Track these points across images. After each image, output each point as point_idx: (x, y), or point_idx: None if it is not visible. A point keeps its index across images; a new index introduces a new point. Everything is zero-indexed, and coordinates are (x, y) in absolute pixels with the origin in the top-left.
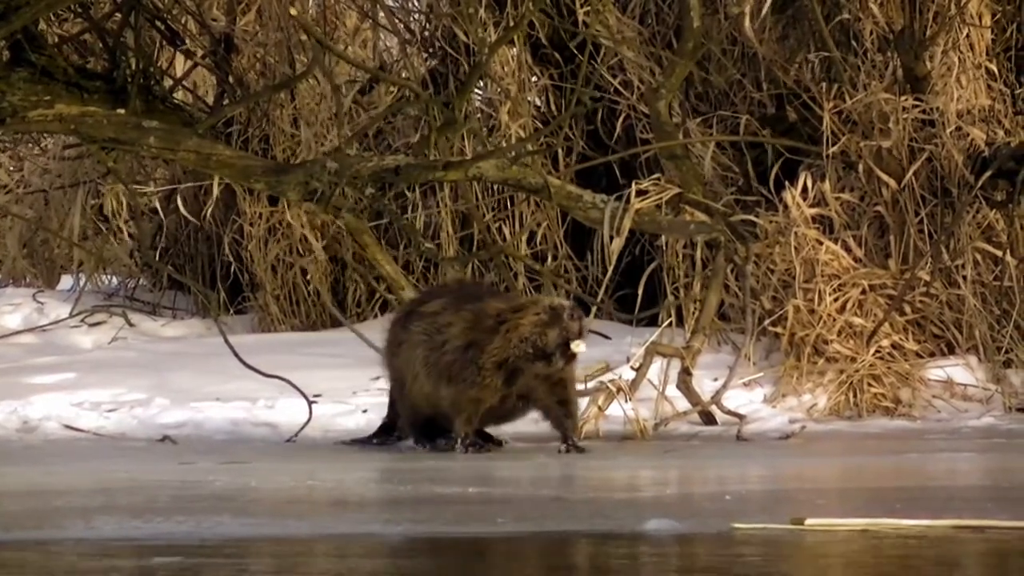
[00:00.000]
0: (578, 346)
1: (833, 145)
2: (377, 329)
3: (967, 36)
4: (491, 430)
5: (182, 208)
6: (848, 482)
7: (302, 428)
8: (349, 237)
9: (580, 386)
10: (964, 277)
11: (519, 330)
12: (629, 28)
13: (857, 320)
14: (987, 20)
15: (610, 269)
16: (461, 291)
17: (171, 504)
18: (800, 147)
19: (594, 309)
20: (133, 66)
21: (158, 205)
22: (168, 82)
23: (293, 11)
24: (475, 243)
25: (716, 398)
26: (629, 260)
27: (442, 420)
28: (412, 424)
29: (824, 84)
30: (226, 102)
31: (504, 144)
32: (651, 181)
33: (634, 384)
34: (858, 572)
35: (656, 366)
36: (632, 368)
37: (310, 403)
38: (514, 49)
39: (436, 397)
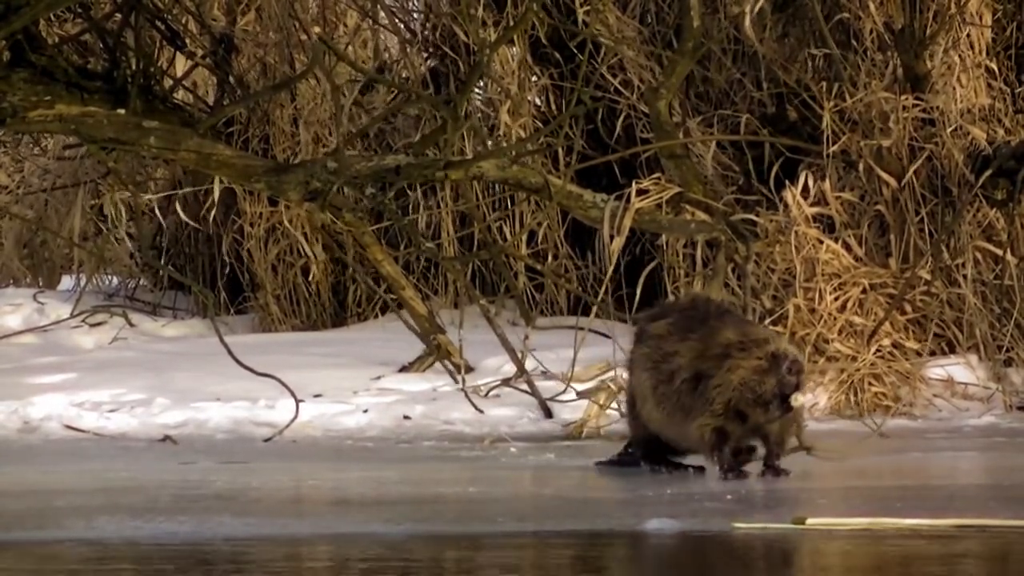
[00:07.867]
0: (796, 400)
1: (833, 144)
2: (377, 329)
3: (967, 35)
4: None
5: (180, 212)
6: (849, 481)
7: (286, 426)
8: (350, 237)
9: (580, 386)
10: (964, 276)
11: (739, 372)
12: (629, 27)
13: (858, 319)
14: (987, 19)
15: (610, 268)
16: (688, 311)
17: (172, 504)
18: (800, 146)
19: (594, 308)
20: (133, 66)
21: (155, 207)
22: (168, 82)
23: (317, 29)
24: (475, 243)
25: None
26: (629, 259)
27: (672, 443)
28: (640, 443)
29: (824, 83)
30: (226, 102)
31: (504, 144)
32: (651, 180)
33: None
34: (859, 571)
35: None
36: None
37: (297, 402)
38: (514, 48)
39: (673, 430)
